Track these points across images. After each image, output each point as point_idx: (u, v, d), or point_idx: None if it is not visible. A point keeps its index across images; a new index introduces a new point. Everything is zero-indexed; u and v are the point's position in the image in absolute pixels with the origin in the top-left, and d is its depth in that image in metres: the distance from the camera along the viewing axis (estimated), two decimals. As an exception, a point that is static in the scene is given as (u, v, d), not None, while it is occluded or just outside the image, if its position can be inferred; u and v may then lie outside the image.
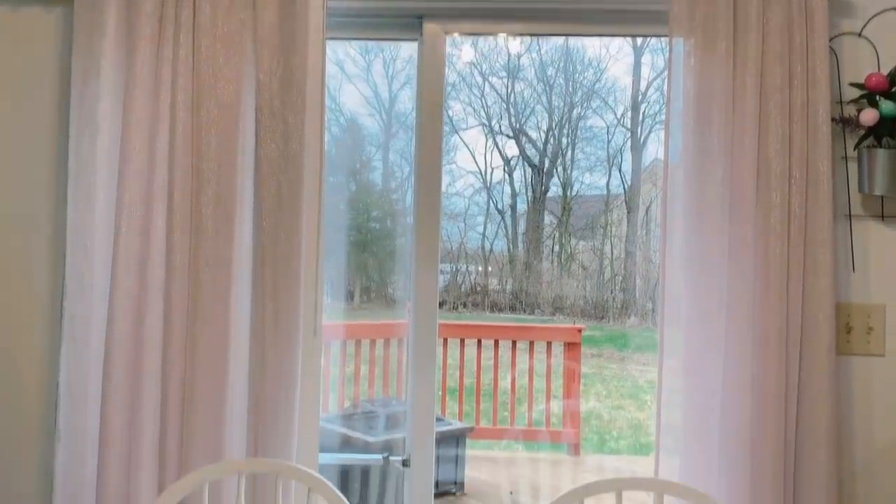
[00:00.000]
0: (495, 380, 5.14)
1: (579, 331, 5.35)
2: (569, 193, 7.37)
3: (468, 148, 7.03)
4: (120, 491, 1.82)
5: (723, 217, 1.86)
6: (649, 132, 6.91)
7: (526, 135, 7.25)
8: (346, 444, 3.92)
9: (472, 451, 4.80)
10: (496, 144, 7.23)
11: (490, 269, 8.24)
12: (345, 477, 3.17)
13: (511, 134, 7.25)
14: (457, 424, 4.62)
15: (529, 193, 7.42)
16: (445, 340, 4.98)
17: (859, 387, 1.94)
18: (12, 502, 1.90)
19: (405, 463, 2.08)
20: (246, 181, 1.89)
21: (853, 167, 1.93)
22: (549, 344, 5.18)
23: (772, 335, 1.83)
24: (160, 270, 1.85)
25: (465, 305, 8.00)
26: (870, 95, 1.88)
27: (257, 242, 1.91)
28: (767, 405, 1.82)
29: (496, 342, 5.14)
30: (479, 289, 8.29)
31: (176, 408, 1.86)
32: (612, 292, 8.22)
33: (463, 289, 8.12)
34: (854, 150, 1.91)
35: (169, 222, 1.86)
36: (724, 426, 1.84)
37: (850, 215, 1.94)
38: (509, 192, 7.37)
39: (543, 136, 7.31)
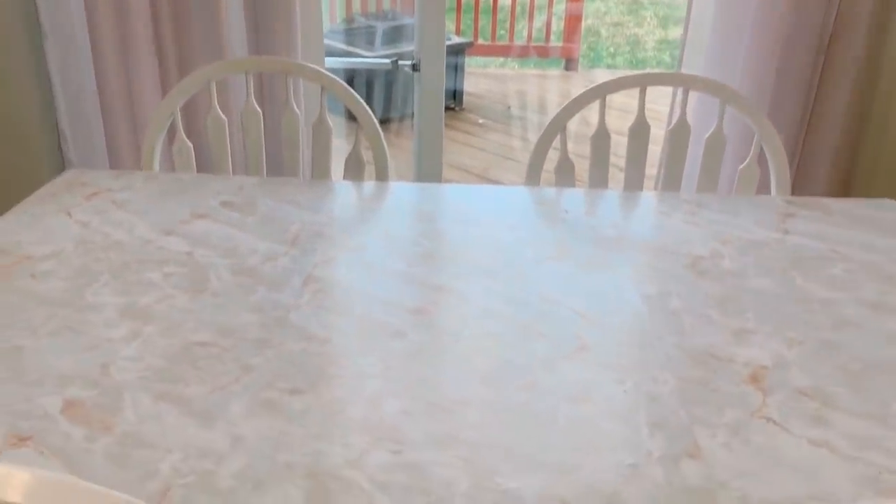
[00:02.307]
0: (495, -5, 4.84)
1: (588, -64, 4.88)
2: None
3: None
4: (121, 94, 1.76)
5: None
6: None
7: None
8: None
9: (470, 68, 4.72)
10: None
11: None
12: (351, 84, 3.11)
13: None
14: (455, 39, 4.45)
15: None
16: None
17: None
18: (18, 110, 1.84)
19: (415, 67, 1.99)
20: None
21: None
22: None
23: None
24: None
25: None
26: None
27: None
28: (810, -4, 1.69)
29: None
30: None
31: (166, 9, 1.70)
32: None
33: None
34: None
35: None
36: (758, 18, 1.73)
37: None
38: None
39: None
